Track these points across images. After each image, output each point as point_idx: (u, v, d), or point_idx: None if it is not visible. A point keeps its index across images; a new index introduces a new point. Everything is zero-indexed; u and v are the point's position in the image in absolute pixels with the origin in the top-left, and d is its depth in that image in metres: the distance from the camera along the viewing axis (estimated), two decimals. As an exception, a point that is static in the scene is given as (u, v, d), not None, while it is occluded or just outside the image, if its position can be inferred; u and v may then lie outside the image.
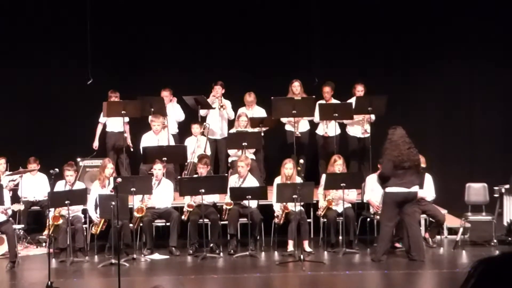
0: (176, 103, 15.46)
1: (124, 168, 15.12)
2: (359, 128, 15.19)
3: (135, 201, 12.89)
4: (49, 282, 10.36)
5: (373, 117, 14.89)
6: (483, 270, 2.22)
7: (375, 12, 16.16)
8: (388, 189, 11.93)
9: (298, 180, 13.13)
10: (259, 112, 15.27)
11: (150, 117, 14.64)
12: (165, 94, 15.28)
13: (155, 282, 11.25)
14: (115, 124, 15.07)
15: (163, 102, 14.97)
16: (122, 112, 14.39)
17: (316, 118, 15.07)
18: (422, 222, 13.64)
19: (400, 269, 11.66)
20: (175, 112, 15.44)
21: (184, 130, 15.44)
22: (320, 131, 15.41)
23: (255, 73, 16.10)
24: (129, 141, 15.22)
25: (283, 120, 15.20)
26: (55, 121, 15.93)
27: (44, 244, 13.41)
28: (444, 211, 13.77)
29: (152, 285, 11.37)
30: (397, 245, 13.03)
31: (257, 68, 16.16)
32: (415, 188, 11.95)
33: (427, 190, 13.01)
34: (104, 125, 15.34)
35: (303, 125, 15.30)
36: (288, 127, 15.29)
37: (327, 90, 15.21)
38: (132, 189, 12.51)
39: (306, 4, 16.22)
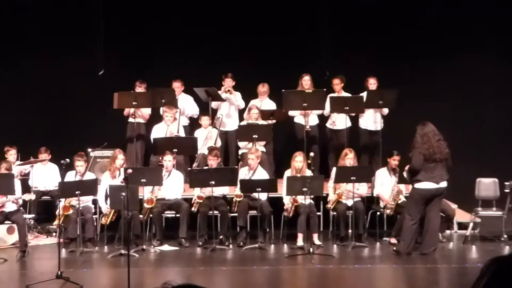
0: (189, 96, 15.43)
1: (139, 159, 15.14)
2: (371, 121, 15.17)
3: (145, 192, 12.91)
4: (59, 272, 10.41)
5: (386, 110, 14.89)
6: (495, 270, 2.21)
7: (386, 5, 16.12)
8: (418, 185, 11.81)
9: (308, 173, 13.14)
10: (270, 104, 15.26)
11: (163, 108, 14.63)
12: (176, 85, 15.28)
13: (164, 273, 11.28)
14: (138, 117, 15.06)
15: (174, 93, 14.99)
16: (133, 103, 14.43)
17: (327, 111, 15.05)
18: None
19: (409, 264, 11.63)
20: (189, 107, 15.40)
21: (194, 122, 15.45)
22: (329, 124, 15.41)
23: (265, 66, 16.06)
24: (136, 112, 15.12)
25: (292, 113, 15.16)
26: (66, 112, 15.96)
27: (54, 234, 13.46)
28: (454, 206, 13.75)
29: (161, 276, 11.42)
30: (393, 240, 13.04)
31: (267, 61, 16.13)
32: (444, 184, 11.88)
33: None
34: (124, 116, 15.32)
35: (313, 119, 15.27)
36: (297, 120, 15.27)
37: (336, 82, 15.21)
38: (142, 180, 12.53)
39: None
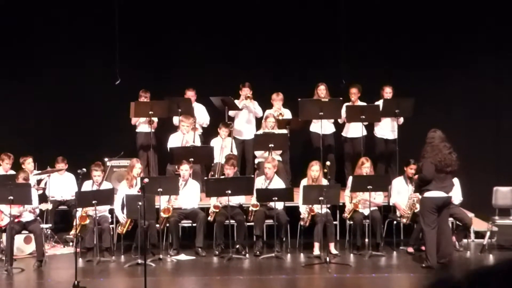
0: (202, 105, 15.45)
1: (151, 168, 15.17)
2: (387, 129, 15.15)
3: (162, 202, 12.92)
4: (76, 282, 10.44)
5: (401, 119, 14.87)
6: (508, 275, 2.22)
7: (403, 14, 16.10)
8: (428, 194, 11.68)
9: (325, 182, 13.12)
10: (285, 113, 15.24)
11: (179, 118, 14.65)
12: (190, 94, 15.30)
13: (181, 282, 11.31)
14: (144, 123, 15.11)
15: (190, 102, 15.01)
16: (150, 112, 14.48)
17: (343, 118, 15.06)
18: (449, 225, 13.61)
19: (426, 272, 11.58)
20: (200, 116, 15.40)
21: (210, 131, 15.46)
22: (345, 133, 15.41)
23: (281, 75, 16.09)
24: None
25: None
26: (83, 121, 16.02)
27: (71, 243, 13.48)
28: (471, 215, 13.69)
29: (178, 285, 11.46)
30: (410, 249, 13.00)
31: (283, 70, 16.16)
32: (451, 193, 11.84)
33: (455, 193, 12.86)
34: (135, 126, 15.37)
35: (329, 127, 15.26)
36: (313, 129, 15.26)
37: (354, 91, 15.17)
38: (159, 190, 12.54)
39: (335, 6, 16.17)
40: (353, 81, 15.34)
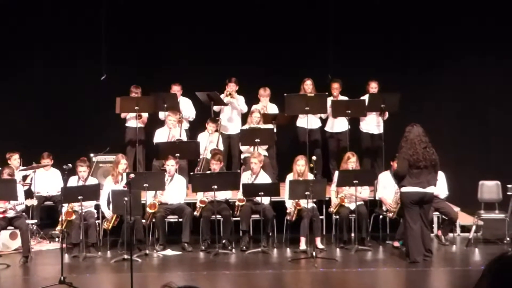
0: (188, 99, 15.43)
1: (141, 163, 15.15)
2: (373, 124, 15.16)
3: (148, 197, 12.91)
4: (62, 277, 10.39)
5: (386, 114, 14.88)
6: (497, 269, 2.21)
7: (390, 9, 16.10)
8: (404, 189, 11.67)
9: (310, 177, 13.12)
10: (272, 108, 15.25)
11: (166, 113, 14.63)
12: (176, 88, 15.28)
13: (168, 278, 11.24)
14: (133, 119, 15.06)
15: (176, 97, 14.99)
16: (135, 108, 14.44)
17: (327, 113, 15.05)
18: (435, 219, 13.65)
19: (412, 267, 11.60)
20: (186, 110, 15.37)
21: (197, 126, 15.44)
22: (330, 128, 15.40)
23: (268, 69, 16.06)
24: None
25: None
26: (69, 117, 15.96)
27: (57, 239, 13.45)
28: (457, 209, 13.73)
29: (164, 281, 11.38)
30: (396, 243, 13.02)
31: (270, 64, 16.13)
32: (431, 189, 11.67)
33: (440, 188, 12.89)
34: (124, 120, 15.33)
35: (315, 122, 15.26)
36: (300, 123, 15.26)
37: (335, 86, 15.17)
38: (145, 185, 12.52)
39: (322, 1, 16.17)
40: (339, 76, 15.34)
